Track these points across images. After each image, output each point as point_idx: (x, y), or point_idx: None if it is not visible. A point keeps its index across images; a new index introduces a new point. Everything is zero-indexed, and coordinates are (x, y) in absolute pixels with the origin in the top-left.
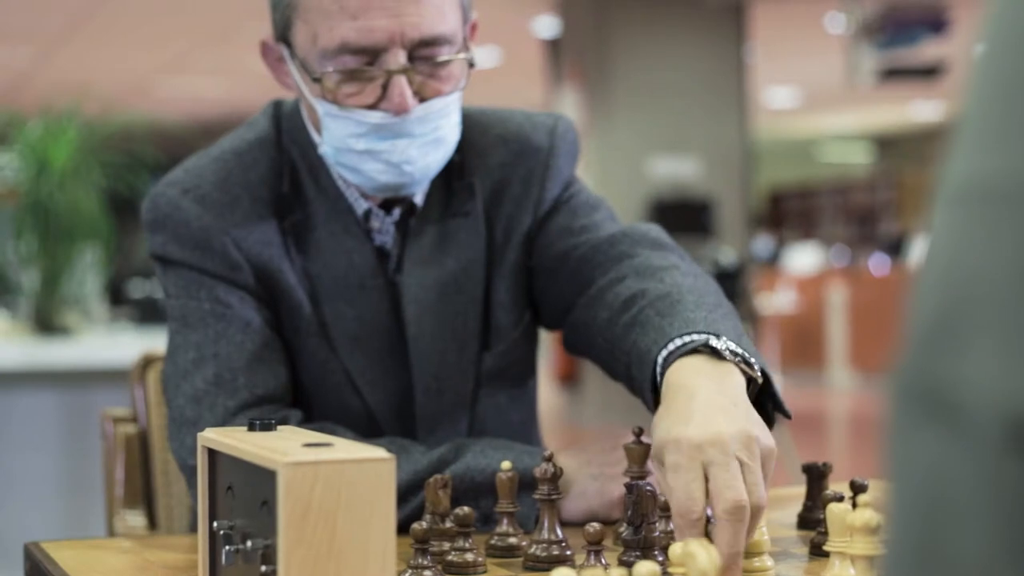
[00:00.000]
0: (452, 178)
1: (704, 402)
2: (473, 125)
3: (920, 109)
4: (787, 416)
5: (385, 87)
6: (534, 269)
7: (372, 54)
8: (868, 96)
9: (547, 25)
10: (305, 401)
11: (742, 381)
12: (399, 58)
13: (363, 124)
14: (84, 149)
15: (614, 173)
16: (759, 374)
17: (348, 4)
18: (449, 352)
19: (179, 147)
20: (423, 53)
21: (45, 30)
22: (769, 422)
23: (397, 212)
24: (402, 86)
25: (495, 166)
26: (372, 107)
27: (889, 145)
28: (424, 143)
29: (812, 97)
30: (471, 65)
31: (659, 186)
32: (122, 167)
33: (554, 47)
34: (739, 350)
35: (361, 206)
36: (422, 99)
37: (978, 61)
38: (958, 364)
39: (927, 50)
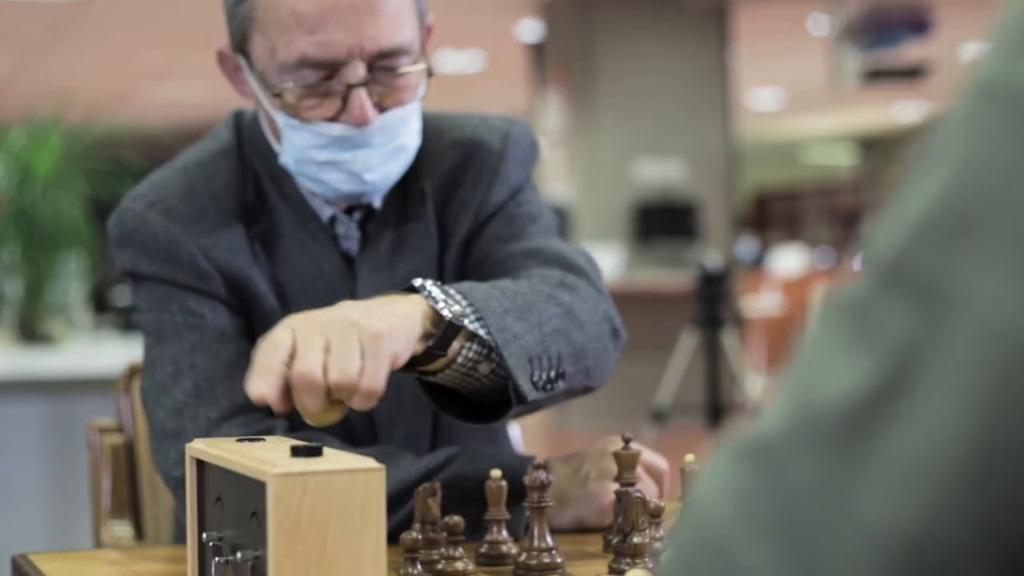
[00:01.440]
0: (407, 182)
1: (343, 305)
2: (429, 129)
3: (904, 110)
4: (522, 399)
5: (345, 100)
6: (467, 273)
7: (331, 67)
8: (852, 97)
9: (531, 29)
10: None
11: (413, 309)
12: (358, 71)
13: (323, 136)
14: (67, 156)
15: (598, 177)
16: (445, 312)
17: (306, 18)
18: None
19: (163, 153)
20: (382, 64)
21: (27, 37)
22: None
23: (357, 216)
24: (362, 99)
25: (446, 169)
26: (332, 119)
27: (873, 146)
28: (384, 152)
29: (796, 99)
30: (429, 74)
31: (644, 189)
32: (106, 174)
33: (538, 51)
34: (439, 295)
35: (326, 212)
36: (382, 109)
37: None
38: (960, 261)
39: (910, 51)
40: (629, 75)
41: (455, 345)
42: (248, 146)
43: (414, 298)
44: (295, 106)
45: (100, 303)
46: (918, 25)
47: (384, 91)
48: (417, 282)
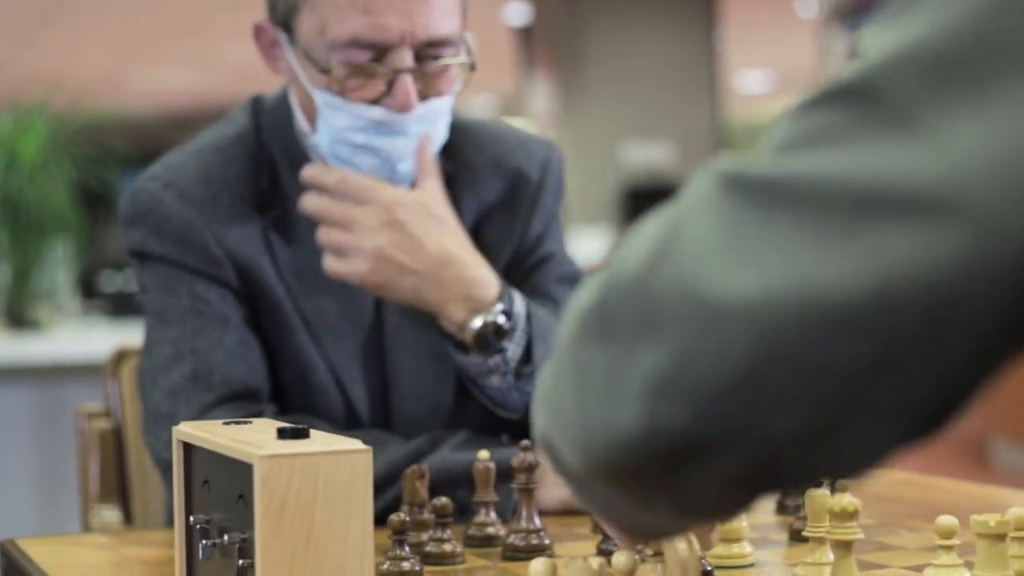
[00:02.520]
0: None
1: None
2: (468, 139)
3: None
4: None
5: (390, 84)
6: None
7: (380, 50)
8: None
9: (518, 13)
10: (286, 399)
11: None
12: (406, 57)
13: (363, 119)
14: (54, 142)
15: (587, 160)
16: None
17: None
18: (427, 362)
19: (150, 139)
20: (428, 53)
21: (13, 22)
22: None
23: None
24: (408, 85)
25: (484, 188)
26: (374, 102)
27: None
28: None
29: (784, 81)
30: (472, 68)
31: (632, 173)
32: (92, 160)
33: (525, 35)
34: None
35: None
36: (422, 98)
37: None
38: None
39: None
40: (617, 58)
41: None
42: (266, 131)
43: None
44: (342, 84)
45: (87, 289)
46: None
47: (427, 80)
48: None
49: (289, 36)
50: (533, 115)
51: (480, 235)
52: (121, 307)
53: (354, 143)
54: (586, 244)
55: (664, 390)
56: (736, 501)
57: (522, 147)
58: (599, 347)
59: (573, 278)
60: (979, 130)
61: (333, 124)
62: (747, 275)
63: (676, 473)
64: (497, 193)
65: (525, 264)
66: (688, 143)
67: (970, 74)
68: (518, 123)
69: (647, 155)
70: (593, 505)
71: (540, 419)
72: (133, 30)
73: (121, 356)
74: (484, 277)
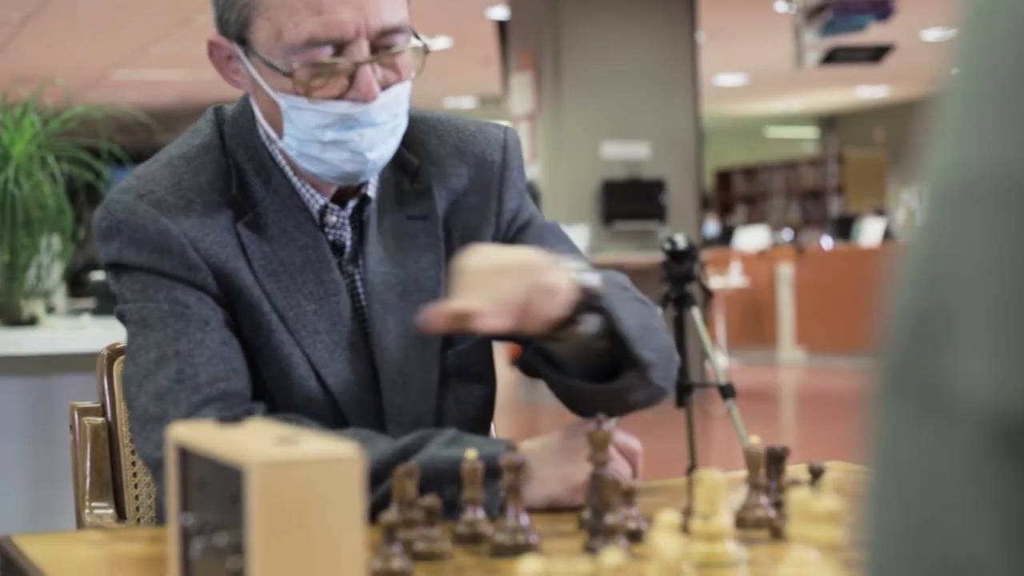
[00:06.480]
0: (407, 179)
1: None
2: (429, 131)
3: (866, 90)
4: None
5: (352, 77)
6: None
7: (337, 46)
8: (814, 76)
9: (498, 11)
10: (270, 397)
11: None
12: (364, 49)
13: (330, 115)
14: (44, 140)
15: (566, 157)
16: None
17: (311, 0)
18: (412, 349)
19: (138, 136)
20: (383, 43)
21: (1, 21)
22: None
23: (351, 205)
24: (369, 75)
25: (452, 176)
26: (338, 98)
27: (835, 125)
28: (385, 131)
29: (759, 79)
30: (426, 51)
31: (611, 171)
32: (82, 157)
33: (505, 33)
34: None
35: (317, 202)
36: (383, 87)
37: (960, 49)
38: (948, 360)
39: (872, 33)
40: (596, 56)
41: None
42: (230, 140)
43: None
44: (307, 85)
45: (78, 284)
46: (880, 9)
47: (385, 69)
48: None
49: (244, 48)
50: (512, 113)
51: (455, 222)
52: (111, 303)
53: (323, 141)
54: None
55: None
56: None
57: (480, 132)
58: None
59: (554, 228)
60: None
61: (300, 125)
62: None
63: None
64: (464, 180)
65: (510, 235)
66: (666, 140)
67: None
68: (500, 123)
69: (626, 153)
70: None
71: None
72: (122, 29)
73: (114, 352)
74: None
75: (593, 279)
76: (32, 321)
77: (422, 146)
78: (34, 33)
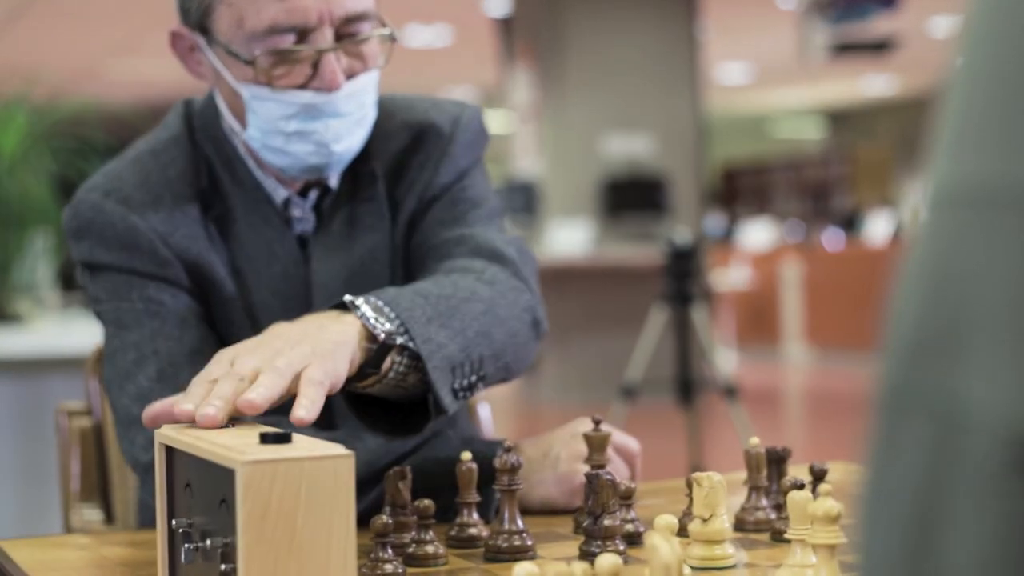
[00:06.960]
0: (358, 163)
1: (278, 327)
2: (381, 111)
3: (872, 83)
4: (442, 410)
5: (315, 66)
6: (410, 253)
7: (300, 33)
8: (820, 71)
9: (498, 4)
10: None
11: (348, 330)
12: (327, 36)
13: (293, 105)
14: (33, 135)
15: (567, 152)
16: (379, 332)
17: None
18: None
19: (129, 131)
20: (347, 30)
21: None
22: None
23: (313, 196)
24: (333, 63)
25: (396, 150)
26: (301, 87)
27: (841, 119)
28: (351, 122)
29: (764, 73)
30: (392, 40)
31: (612, 164)
32: (72, 152)
33: (506, 26)
34: (371, 314)
35: (280, 195)
36: (349, 76)
37: (966, 56)
38: (957, 376)
39: (878, 25)
40: (597, 49)
41: (387, 360)
42: (199, 133)
43: (348, 318)
44: (268, 73)
45: (68, 282)
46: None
47: (350, 58)
48: (348, 299)
49: (206, 37)
50: (513, 106)
51: (393, 192)
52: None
53: (286, 132)
54: (566, 235)
55: None
56: None
57: (435, 107)
58: None
59: (492, 214)
60: None
61: (263, 116)
62: None
63: None
64: (407, 151)
65: (428, 216)
66: (668, 135)
67: None
68: (499, 115)
69: (628, 147)
70: None
71: None
72: (112, 22)
73: (102, 353)
74: (338, 336)
75: (386, 326)
76: (20, 318)
77: (375, 126)
78: (24, 27)
